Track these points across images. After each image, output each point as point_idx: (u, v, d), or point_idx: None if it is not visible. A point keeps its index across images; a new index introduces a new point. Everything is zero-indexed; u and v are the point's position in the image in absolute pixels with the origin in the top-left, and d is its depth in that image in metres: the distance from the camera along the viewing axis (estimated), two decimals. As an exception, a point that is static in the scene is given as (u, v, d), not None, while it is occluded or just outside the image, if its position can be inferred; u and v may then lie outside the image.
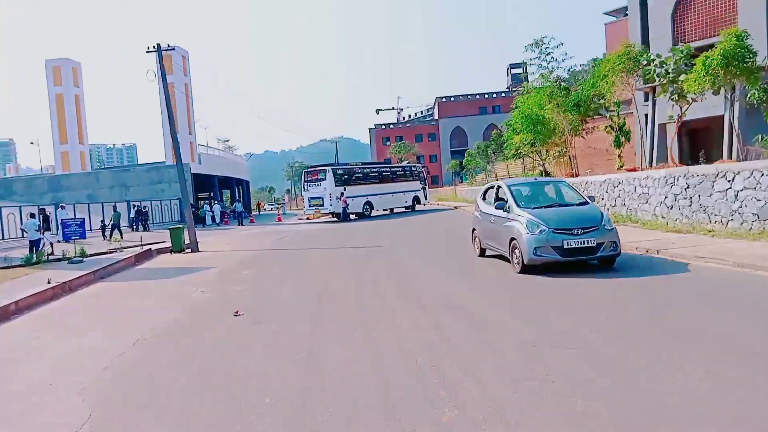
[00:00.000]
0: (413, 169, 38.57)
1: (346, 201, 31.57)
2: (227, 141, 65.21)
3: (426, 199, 38.75)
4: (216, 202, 44.26)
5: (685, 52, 17.38)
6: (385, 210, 36.66)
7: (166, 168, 39.87)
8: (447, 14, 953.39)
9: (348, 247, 16.99)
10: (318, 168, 33.67)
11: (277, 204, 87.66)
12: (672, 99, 17.98)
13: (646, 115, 26.05)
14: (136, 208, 31.44)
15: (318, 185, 32.49)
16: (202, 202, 48.92)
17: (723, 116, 21.42)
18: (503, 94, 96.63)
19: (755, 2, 28.93)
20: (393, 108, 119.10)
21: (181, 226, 19.91)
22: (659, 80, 18.21)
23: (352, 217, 32.68)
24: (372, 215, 33.83)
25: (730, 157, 20.11)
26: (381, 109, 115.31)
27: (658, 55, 18.94)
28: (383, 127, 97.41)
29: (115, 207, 30.47)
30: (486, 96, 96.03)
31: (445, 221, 25.60)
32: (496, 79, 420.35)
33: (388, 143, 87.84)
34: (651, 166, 22.92)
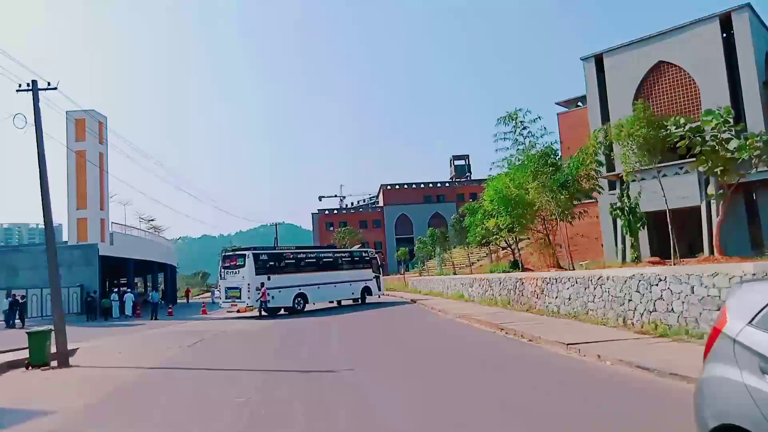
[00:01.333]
0: (363, 255, 33.54)
1: (265, 293, 26.07)
2: (152, 221, 58.11)
3: (380, 290, 33.52)
4: (129, 290, 37.53)
5: (724, 116, 14.33)
6: (332, 302, 31.40)
7: (67, 249, 33.36)
8: (387, 106, 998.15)
9: (285, 369, 11.65)
10: (237, 251, 28.07)
11: (209, 290, 79.88)
12: (714, 172, 14.71)
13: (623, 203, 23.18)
14: (10, 298, 24.81)
15: (236, 273, 26.75)
16: (116, 290, 41.87)
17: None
18: (447, 184, 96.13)
19: (717, 86, 27.82)
20: (336, 195, 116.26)
21: (45, 328, 14.08)
22: (698, 147, 14.93)
23: (283, 312, 27.35)
24: (307, 309, 28.26)
25: None
26: (324, 196, 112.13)
27: (689, 118, 15.94)
28: (326, 212, 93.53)
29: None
30: (430, 185, 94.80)
31: (412, 321, 20.65)
32: (439, 170, 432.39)
33: (331, 229, 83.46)
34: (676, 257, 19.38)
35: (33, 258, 33.06)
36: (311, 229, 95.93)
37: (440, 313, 21.95)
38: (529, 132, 21.97)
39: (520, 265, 27.50)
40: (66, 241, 34.23)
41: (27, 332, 14.00)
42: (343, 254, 33.01)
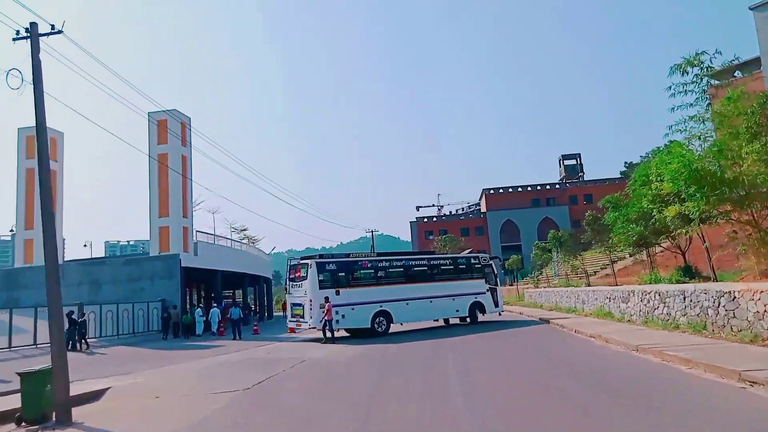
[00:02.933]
0: (472, 261, 27.08)
1: (330, 311, 21.14)
2: (245, 230, 55.70)
3: (497, 306, 27.15)
4: (216, 305, 34.52)
5: None
6: (436, 320, 25.94)
7: (148, 260, 30.83)
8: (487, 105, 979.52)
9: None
10: (301, 261, 23.27)
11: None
12: None
13: None
14: (69, 317, 21.92)
15: (300, 286, 22.47)
16: (202, 305, 39.25)
17: None
18: (557, 186, 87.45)
19: None
20: (433, 205, 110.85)
21: (45, 368, 9.98)
22: None
23: (341, 333, 22.73)
24: (392, 332, 22.98)
25: None
26: (421, 206, 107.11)
27: None
28: (425, 220, 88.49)
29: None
30: (538, 187, 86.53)
31: (559, 352, 14.75)
32: (547, 171, 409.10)
33: (431, 237, 78.20)
34: None
35: (114, 271, 30.86)
36: (410, 239, 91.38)
37: (597, 341, 15.81)
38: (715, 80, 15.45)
39: (693, 270, 20.54)
40: (147, 252, 31.77)
41: (19, 373, 10.00)
42: (443, 261, 26.77)
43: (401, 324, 23.87)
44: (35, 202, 32.07)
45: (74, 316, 21.93)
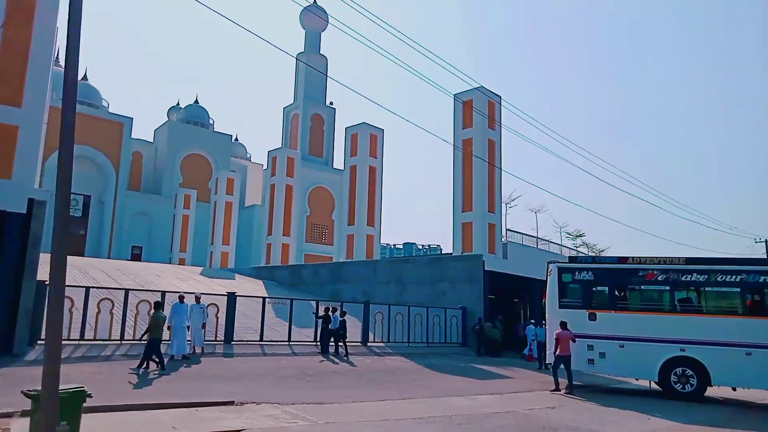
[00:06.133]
0: None
1: (568, 343, 14.28)
2: (581, 235, 46.75)
3: None
4: (533, 322, 28.40)
5: None
6: None
7: (450, 261, 27.04)
8: None
9: None
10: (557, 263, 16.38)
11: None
12: None
13: None
14: (325, 312, 19.31)
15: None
16: (532, 321, 33.61)
17: None
18: None
19: None
20: None
21: (74, 388, 6.21)
22: None
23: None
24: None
25: None
26: None
27: None
28: None
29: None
30: None
31: None
32: None
33: None
34: None
35: (418, 271, 28.21)
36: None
37: None
38: None
39: None
40: (449, 252, 28.12)
41: (26, 393, 6.52)
42: None
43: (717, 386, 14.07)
44: (473, 179, 29.19)
45: (329, 312, 19.38)
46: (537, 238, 31.37)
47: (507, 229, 28.68)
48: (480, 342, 24.40)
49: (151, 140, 61.74)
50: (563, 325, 14.58)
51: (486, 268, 25.56)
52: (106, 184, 54.68)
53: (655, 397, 14.66)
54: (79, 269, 29.01)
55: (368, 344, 22.06)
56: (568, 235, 44.64)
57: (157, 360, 14.01)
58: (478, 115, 27.05)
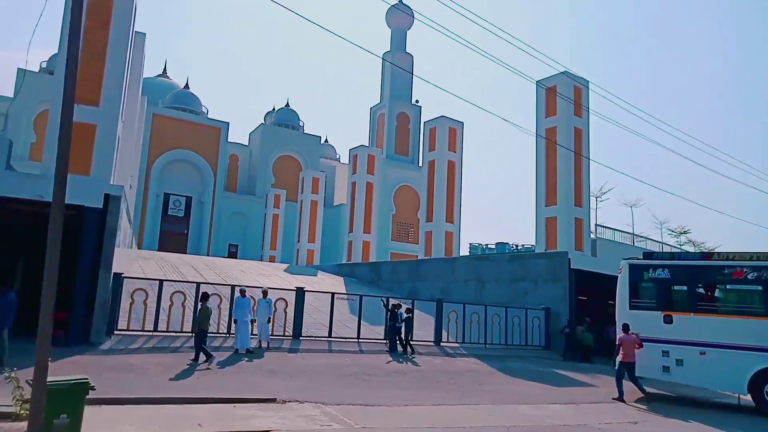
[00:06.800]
0: None
1: (630, 350, 13.15)
2: (685, 232, 41.40)
3: None
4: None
5: None
6: None
7: (532, 258, 25.27)
8: None
9: None
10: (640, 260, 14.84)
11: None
12: None
13: None
14: (394, 311, 18.39)
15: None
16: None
17: None
18: None
19: None
20: None
21: (65, 380, 5.88)
22: None
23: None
24: None
25: None
26: None
27: None
28: None
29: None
30: None
31: None
32: None
33: None
34: None
35: (498, 268, 26.67)
36: None
37: None
38: None
39: None
40: (532, 247, 26.27)
41: (28, 381, 6.26)
42: None
43: None
44: (557, 170, 26.35)
45: (400, 311, 18.51)
46: (633, 234, 28.57)
47: (596, 225, 26.36)
48: (568, 346, 22.53)
49: (246, 143, 64.44)
50: (626, 328, 13.35)
51: (572, 266, 23.55)
52: (205, 185, 57.74)
53: (748, 414, 12.47)
54: (172, 265, 30.53)
55: (441, 344, 21.02)
56: (670, 232, 40.35)
57: (207, 352, 13.97)
58: (562, 102, 25.07)
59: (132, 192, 33.41)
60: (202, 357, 13.89)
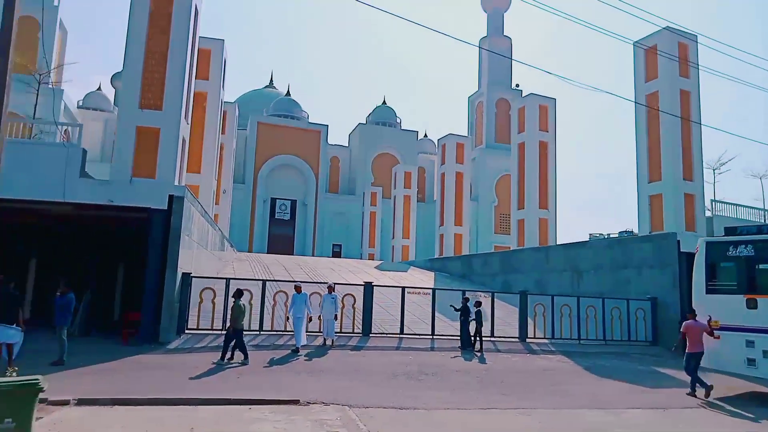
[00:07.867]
0: None
1: (698, 338, 11.21)
2: None
3: None
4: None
5: None
6: None
7: (635, 242, 22.30)
8: None
9: None
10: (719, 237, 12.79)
11: None
12: None
13: None
14: (463, 303, 16.72)
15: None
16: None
17: None
18: None
19: None
20: None
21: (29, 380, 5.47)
22: None
23: None
24: None
25: None
26: None
27: None
28: None
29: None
30: None
31: None
32: None
33: None
34: None
35: (596, 256, 23.93)
36: None
37: None
38: None
39: None
40: (631, 231, 23.21)
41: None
42: None
43: None
44: (661, 140, 23.01)
45: (470, 304, 16.92)
46: (764, 210, 24.21)
47: (713, 200, 22.59)
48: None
49: (346, 144, 65.36)
50: (692, 314, 11.53)
51: (682, 250, 20.37)
52: (308, 188, 59.36)
53: None
54: (264, 265, 31.31)
55: (527, 340, 19.13)
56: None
57: (243, 352, 13.51)
58: (665, 63, 21.79)
59: (227, 197, 34.77)
60: (240, 355, 13.48)
